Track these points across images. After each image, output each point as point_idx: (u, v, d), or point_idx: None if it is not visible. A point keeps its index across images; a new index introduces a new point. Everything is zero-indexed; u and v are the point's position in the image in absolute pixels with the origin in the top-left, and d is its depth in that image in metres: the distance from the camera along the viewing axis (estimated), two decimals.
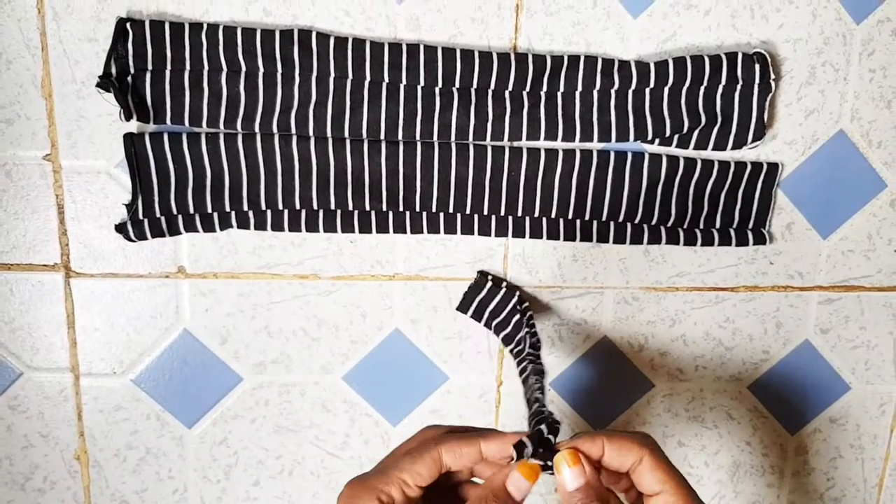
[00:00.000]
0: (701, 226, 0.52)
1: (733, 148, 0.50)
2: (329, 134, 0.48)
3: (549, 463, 0.34)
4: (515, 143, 0.50)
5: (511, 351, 0.49)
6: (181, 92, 0.46)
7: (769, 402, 0.57)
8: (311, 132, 0.48)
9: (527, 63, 0.48)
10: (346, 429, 0.54)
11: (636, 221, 0.51)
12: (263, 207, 0.49)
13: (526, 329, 0.47)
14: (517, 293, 0.50)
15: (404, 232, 0.50)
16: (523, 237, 0.51)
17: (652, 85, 0.49)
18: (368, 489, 0.33)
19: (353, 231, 0.49)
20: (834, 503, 0.60)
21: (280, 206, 0.49)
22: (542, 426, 0.34)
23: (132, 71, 0.46)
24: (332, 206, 0.49)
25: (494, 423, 0.55)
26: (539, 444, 0.34)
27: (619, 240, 0.51)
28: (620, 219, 0.51)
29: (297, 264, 0.51)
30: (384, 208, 0.50)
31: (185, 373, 0.52)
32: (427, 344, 0.53)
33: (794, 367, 0.56)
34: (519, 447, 0.33)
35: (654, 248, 0.53)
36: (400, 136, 0.48)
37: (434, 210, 0.50)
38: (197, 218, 0.48)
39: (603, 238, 0.51)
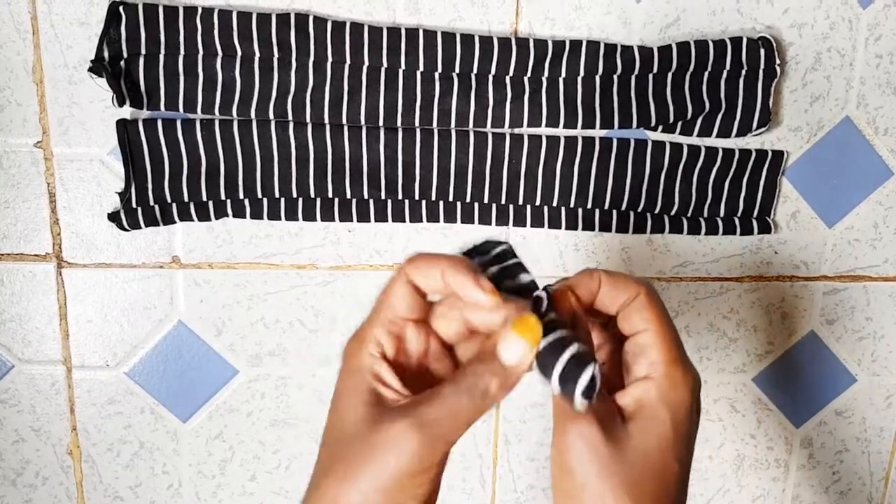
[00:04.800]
0: (705, 214, 0.51)
1: (738, 135, 0.50)
2: (326, 120, 0.47)
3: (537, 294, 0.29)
4: (516, 130, 0.49)
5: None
6: (175, 77, 0.45)
7: (774, 394, 0.56)
8: (308, 118, 0.47)
9: (528, 48, 0.47)
10: None
11: (639, 210, 0.51)
12: (259, 195, 0.48)
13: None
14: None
15: (403, 221, 0.49)
16: (524, 226, 0.50)
17: (655, 70, 0.48)
18: (358, 344, 0.29)
19: (351, 220, 0.48)
20: (840, 497, 0.59)
21: (276, 195, 0.48)
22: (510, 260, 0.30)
23: (125, 55, 0.45)
24: (330, 195, 0.48)
25: (495, 412, 0.54)
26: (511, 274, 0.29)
27: (622, 229, 0.50)
28: (623, 207, 0.50)
29: (294, 254, 0.50)
30: (383, 196, 0.49)
31: (180, 365, 0.51)
32: None
33: (799, 358, 0.56)
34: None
35: (658, 237, 0.52)
36: (399, 123, 0.47)
37: (433, 198, 0.49)
38: (191, 206, 0.47)
39: (605, 227, 0.50)
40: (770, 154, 0.50)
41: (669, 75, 0.48)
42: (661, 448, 0.28)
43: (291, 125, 0.47)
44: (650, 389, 0.29)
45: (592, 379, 0.27)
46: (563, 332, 0.28)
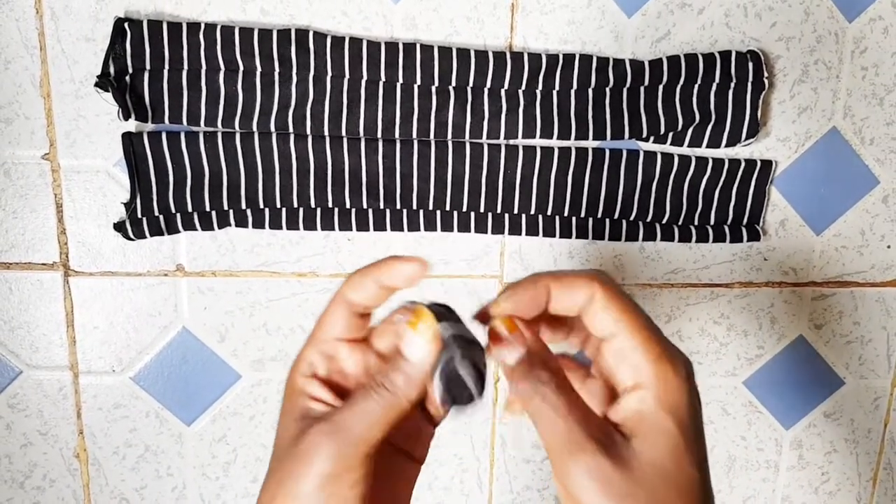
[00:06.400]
0: (695, 222, 0.53)
1: (727, 145, 0.51)
2: (326, 133, 0.48)
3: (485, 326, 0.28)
4: (511, 142, 0.50)
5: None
6: (179, 91, 0.47)
7: (764, 397, 0.57)
8: (308, 131, 0.48)
9: (522, 62, 0.48)
10: None
11: (631, 218, 0.52)
12: (261, 206, 0.49)
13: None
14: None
15: (402, 230, 0.50)
16: (519, 234, 0.51)
17: (646, 83, 0.49)
18: (294, 368, 0.30)
19: (350, 229, 0.50)
20: (829, 497, 0.60)
21: (278, 205, 0.49)
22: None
23: (130, 70, 0.46)
24: (330, 205, 0.50)
25: (491, 419, 0.55)
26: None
27: (615, 237, 0.52)
28: (615, 216, 0.52)
29: (295, 262, 0.51)
30: (381, 206, 0.50)
31: (184, 370, 0.52)
32: None
33: (788, 362, 0.57)
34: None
35: (649, 245, 0.53)
36: (397, 135, 0.49)
37: (431, 208, 0.50)
38: (195, 216, 0.48)
39: (598, 235, 0.51)
40: (759, 164, 0.52)
41: (660, 88, 0.50)
42: (676, 459, 0.26)
43: (292, 137, 0.48)
44: (645, 398, 0.27)
45: (452, 381, 0.27)
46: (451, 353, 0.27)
